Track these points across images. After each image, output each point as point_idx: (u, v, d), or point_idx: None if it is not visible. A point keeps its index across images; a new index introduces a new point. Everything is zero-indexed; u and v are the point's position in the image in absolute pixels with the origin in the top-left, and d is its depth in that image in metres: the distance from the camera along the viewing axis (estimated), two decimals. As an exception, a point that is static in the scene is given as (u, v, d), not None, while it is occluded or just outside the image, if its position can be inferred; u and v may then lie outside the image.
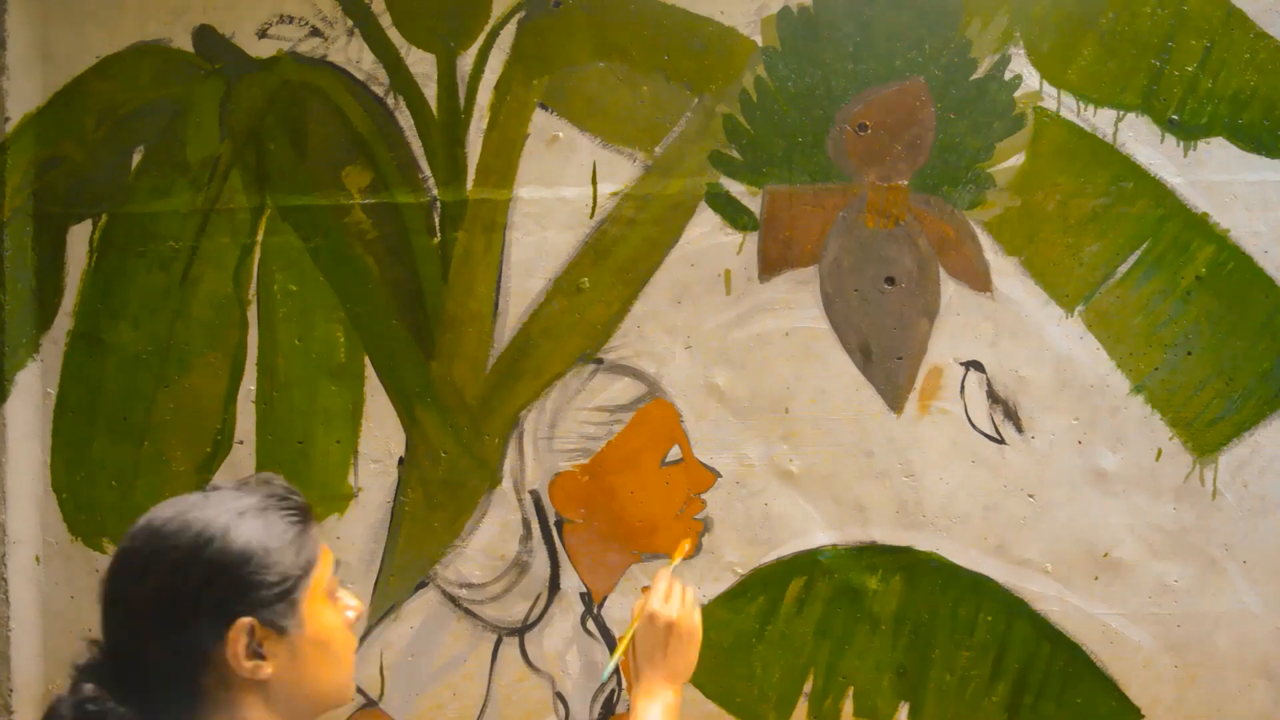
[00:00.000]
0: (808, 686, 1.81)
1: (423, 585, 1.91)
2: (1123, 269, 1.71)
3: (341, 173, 1.93)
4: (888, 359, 1.78)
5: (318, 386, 1.95)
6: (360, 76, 1.94)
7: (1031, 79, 1.72)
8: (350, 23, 1.95)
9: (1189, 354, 1.69)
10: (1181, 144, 1.69)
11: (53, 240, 2.04)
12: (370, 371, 1.93)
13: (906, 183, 1.77)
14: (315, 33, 1.96)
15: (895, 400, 1.78)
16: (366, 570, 1.93)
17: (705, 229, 1.83)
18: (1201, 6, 1.67)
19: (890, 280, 1.78)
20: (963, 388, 1.76)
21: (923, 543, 1.77)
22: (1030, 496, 1.74)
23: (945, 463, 1.76)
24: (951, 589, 1.76)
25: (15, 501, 2.03)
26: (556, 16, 1.88)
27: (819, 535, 1.81)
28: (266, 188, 1.97)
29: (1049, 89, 1.72)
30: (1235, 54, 1.67)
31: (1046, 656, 1.74)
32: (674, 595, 1.26)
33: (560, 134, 1.87)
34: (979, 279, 1.75)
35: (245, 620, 0.93)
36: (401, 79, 1.92)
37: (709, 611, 1.84)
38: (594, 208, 1.85)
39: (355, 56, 1.95)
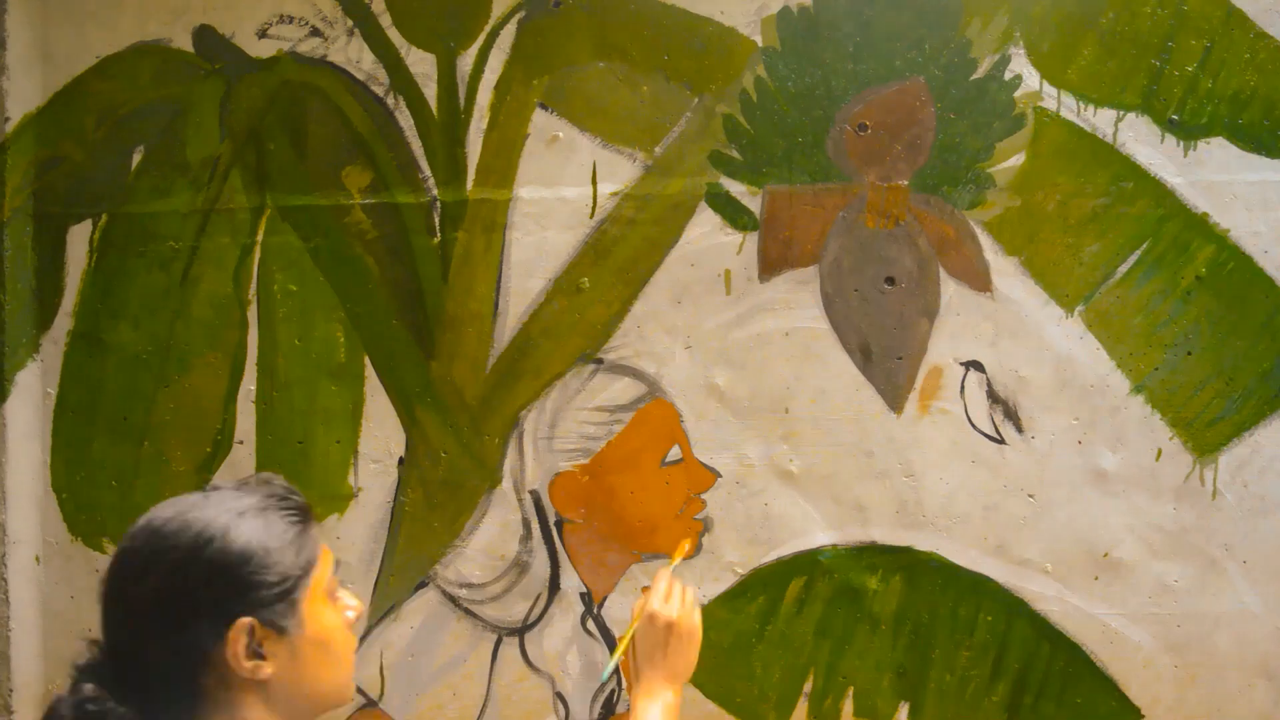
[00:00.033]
0: (808, 686, 1.81)
1: (423, 585, 1.91)
2: (1123, 269, 1.71)
3: (341, 173, 1.93)
4: (888, 359, 1.78)
5: (318, 386, 1.95)
6: (360, 76, 1.94)
7: (1031, 79, 1.72)
8: (350, 23, 1.95)
9: (1189, 354, 1.69)
10: (1181, 144, 1.69)
11: (53, 240, 2.04)
12: (370, 371, 1.93)
13: (906, 183, 1.77)
14: (315, 33, 1.96)
15: (895, 400, 1.78)
16: (366, 570, 1.93)
17: (705, 229, 1.83)
18: (1201, 6, 1.67)
19: (890, 280, 1.78)
20: (963, 388, 1.76)
21: (923, 543, 1.77)
22: (1030, 496, 1.74)
23: (945, 463, 1.76)
24: (951, 589, 1.76)
25: (15, 501, 2.03)
26: (556, 16, 1.88)
27: (819, 535, 1.81)
28: (266, 188, 1.97)
29: (1049, 89, 1.72)
30: (1235, 54, 1.67)
31: (1046, 656, 1.74)
32: (674, 595, 1.25)
33: (560, 134, 1.87)
34: (979, 279, 1.75)
35: (245, 620, 0.93)
36: (401, 79, 1.92)
37: (709, 611, 1.84)
38: (594, 208, 1.85)
39: (355, 56, 1.95)
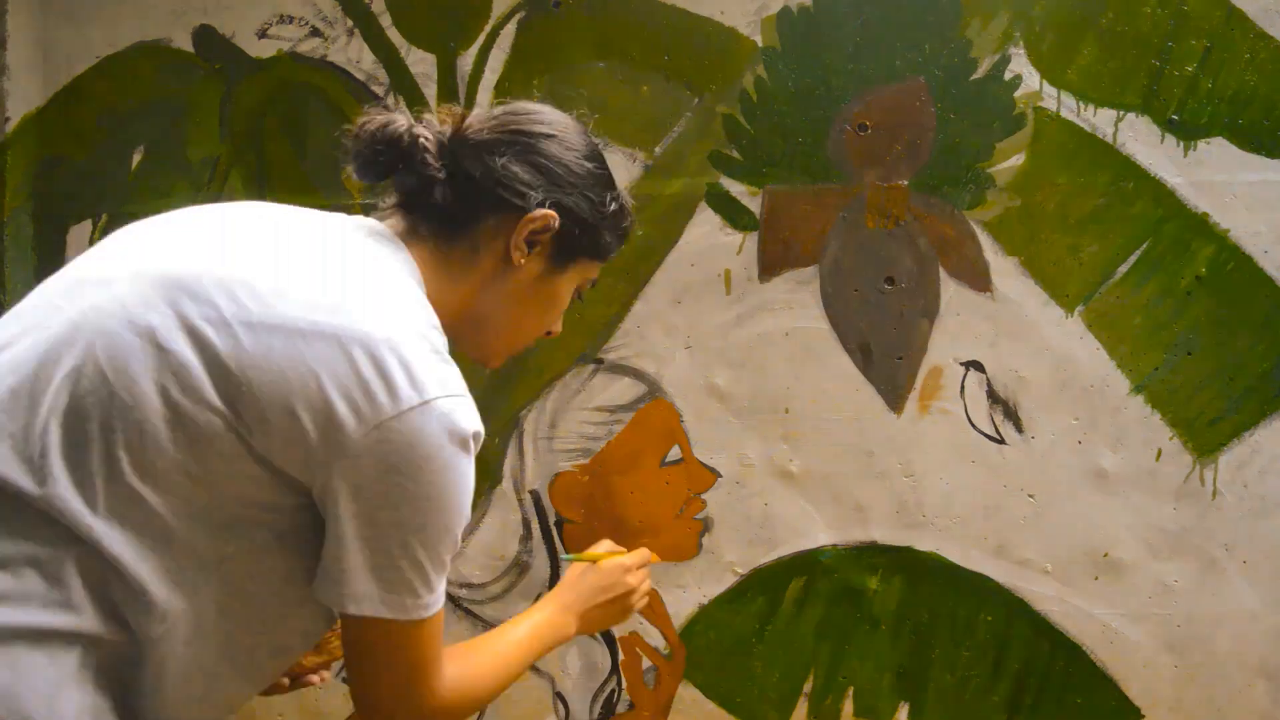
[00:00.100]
0: (808, 686, 1.81)
1: (423, 585, 1.91)
2: (1123, 269, 1.71)
3: (341, 173, 1.92)
4: (888, 359, 1.78)
5: (318, 386, 1.94)
6: (360, 76, 1.94)
7: (1031, 79, 1.72)
8: (350, 23, 1.95)
9: (1189, 354, 1.69)
10: (1181, 144, 1.69)
11: (53, 240, 2.04)
12: (370, 371, 1.93)
13: (906, 183, 1.77)
14: (315, 33, 1.96)
15: (895, 400, 1.78)
16: (366, 570, 1.93)
17: (705, 229, 1.83)
18: (1201, 6, 1.67)
19: (890, 280, 1.78)
20: (963, 388, 1.76)
21: (923, 543, 1.77)
22: (1030, 496, 1.74)
23: (945, 463, 1.76)
24: (951, 589, 1.76)
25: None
26: (556, 16, 1.88)
27: (819, 535, 1.81)
28: (266, 188, 1.97)
29: (1049, 89, 1.72)
30: (1235, 54, 1.67)
31: (1046, 656, 1.74)
32: (642, 577, 1.23)
33: (560, 134, 1.87)
34: (979, 279, 1.75)
35: (552, 214, 0.94)
36: (401, 79, 1.92)
37: (709, 612, 1.84)
38: (594, 208, 1.85)
39: (355, 56, 1.95)
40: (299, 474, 0.79)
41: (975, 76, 1.74)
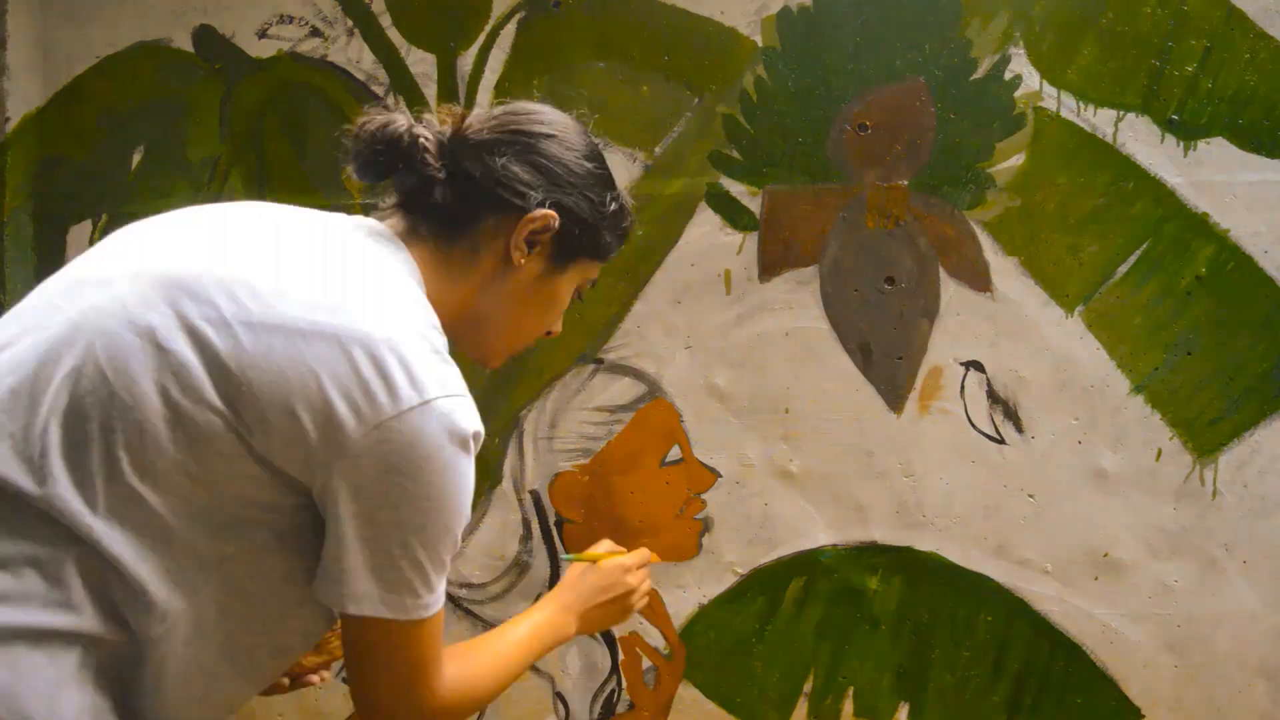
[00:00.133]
0: (808, 686, 1.81)
1: (423, 585, 1.91)
2: (1123, 269, 1.71)
3: (341, 173, 1.92)
4: (888, 359, 1.78)
5: (318, 386, 1.94)
6: (360, 76, 1.94)
7: (1031, 79, 1.72)
8: (350, 23, 1.95)
9: (1189, 354, 1.69)
10: (1181, 144, 1.69)
11: (53, 240, 2.04)
12: (370, 371, 1.93)
13: (906, 183, 1.77)
14: (315, 33, 1.96)
15: (895, 400, 1.78)
16: (366, 570, 1.93)
17: (705, 229, 1.83)
18: (1201, 6, 1.67)
19: (890, 280, 1.78)
20: (963, 388, 1.76)
21: (923, 543, 1.77)
22: (1030, 496, 1.74)
23: (945, 463, 1.76)
24: (951, 589, 1.76)
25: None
26: (556, 16, 1.88)
27: (819, 535, 1.81)
28: (266, 188, 1.97)
29: (1049, 89, 1.72)
30: (1235, 54, 1.67)
31: (1046, 656, 1.73)
32: (642, 577, 1.23)
33: (560, 134, 1.87)
34: (979, 279, 1.75)
35: (552, 214, 0.94)
36: (401, 79, 1.92)
37: (709, 612, 1.84)
38: (594, 208, 1.85)
39: (355, 56, 1.95)
40: (299, 474, 0.79)
41: (975, 76, 1.74)
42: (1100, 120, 1.71)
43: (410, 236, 0.94)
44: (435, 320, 0.87)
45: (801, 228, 1.80)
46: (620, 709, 1.88)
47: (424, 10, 1.92)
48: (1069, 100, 1.71)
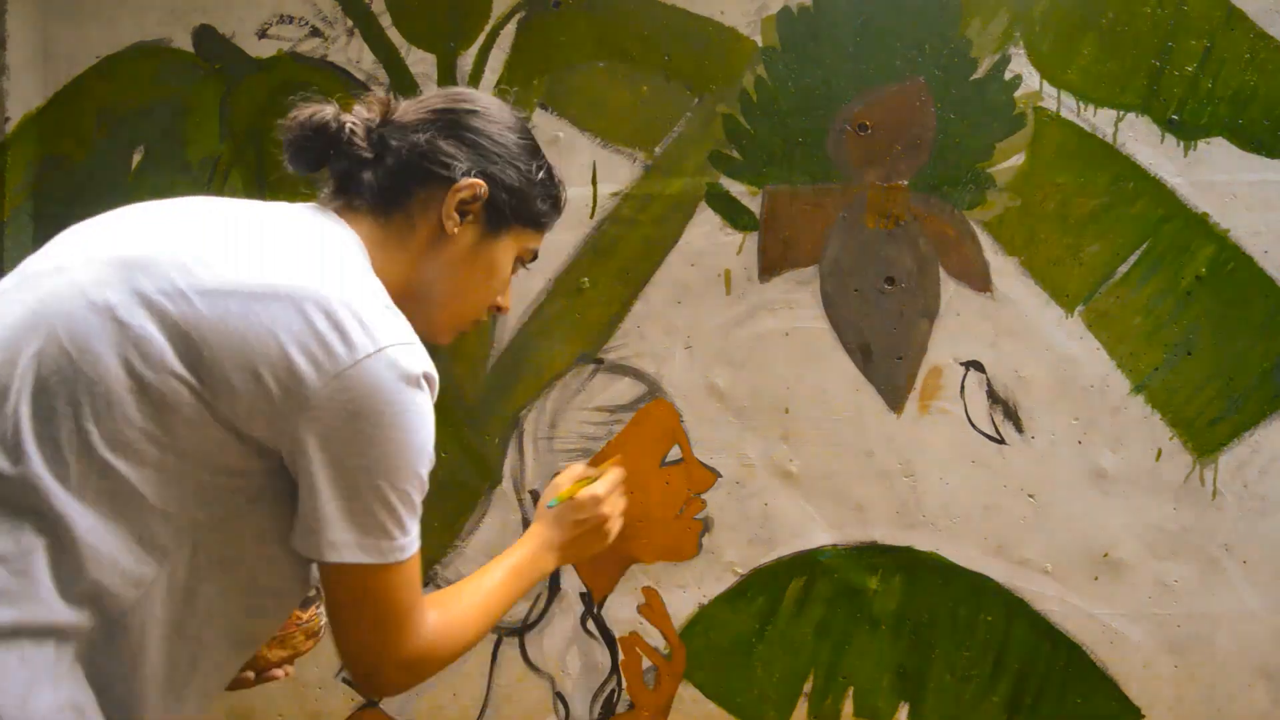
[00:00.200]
0: (808, 686, 1.81)
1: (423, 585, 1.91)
2: (1123, 269, 1.71)
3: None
4: (888, 359, 1.78)
5: (318, 386, 1.94)
6: (360, 76, 1.94)
7: (1031, 79, 1.72)
8: (350, 23, 1.95)
9: (1189, 354, 1.69)
10: (1181, 144, 1.69)
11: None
12: (370, 371, 1.93)
13: (906, 183, 1.77)
14: (315, 33, 1.96)
15: (895, 400, 1.78)
16: (366, 570, 1.93)
17: (705, 229, 1.83)
18: (1201, 6, 1.67)
19: (890, 280, 1.78)
20: (963, 388, 1.76)
21: (923, 543, 1.77)
22: (1030, 496, 1.74)
23: (945, 463, 1.76)
24: (951, 589, 1.76)
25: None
26: (556, 16, 1.88)
27: (819, 535, 1.81)
28: (266, 188, 1.97)
29: (1049, 89, 1.72)
30: (1235, 54, 1.67)
31: (1046, 656, 1.74)
32: (616, 502, 1.24)
33: (560, 134, 1.87)
34: (979, 279, 1.75)
35: (480, 182, 0.96)
36: (401, 79, 1.92)
37: (709, 612, 1.84)
38: (594, 208, 1.85)
39: (355, 56, 1.95)
40: (265, 437, 0.82)
41: (975, 76, 1.74)
42: (1100, 120, 1.71)
43: (349, 214, 0.97)
44: (384, 291, 0.90)
45: (801, 228, 1.80)
46: (620, 709, 1.88)
47: (424, 10, 1.92)
48: (1069, 100, 1.71)
